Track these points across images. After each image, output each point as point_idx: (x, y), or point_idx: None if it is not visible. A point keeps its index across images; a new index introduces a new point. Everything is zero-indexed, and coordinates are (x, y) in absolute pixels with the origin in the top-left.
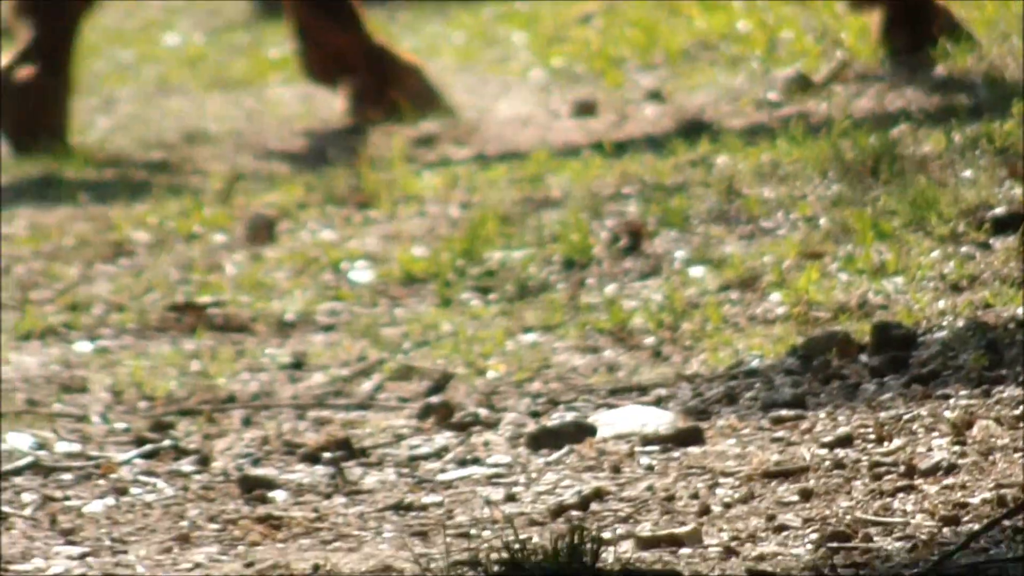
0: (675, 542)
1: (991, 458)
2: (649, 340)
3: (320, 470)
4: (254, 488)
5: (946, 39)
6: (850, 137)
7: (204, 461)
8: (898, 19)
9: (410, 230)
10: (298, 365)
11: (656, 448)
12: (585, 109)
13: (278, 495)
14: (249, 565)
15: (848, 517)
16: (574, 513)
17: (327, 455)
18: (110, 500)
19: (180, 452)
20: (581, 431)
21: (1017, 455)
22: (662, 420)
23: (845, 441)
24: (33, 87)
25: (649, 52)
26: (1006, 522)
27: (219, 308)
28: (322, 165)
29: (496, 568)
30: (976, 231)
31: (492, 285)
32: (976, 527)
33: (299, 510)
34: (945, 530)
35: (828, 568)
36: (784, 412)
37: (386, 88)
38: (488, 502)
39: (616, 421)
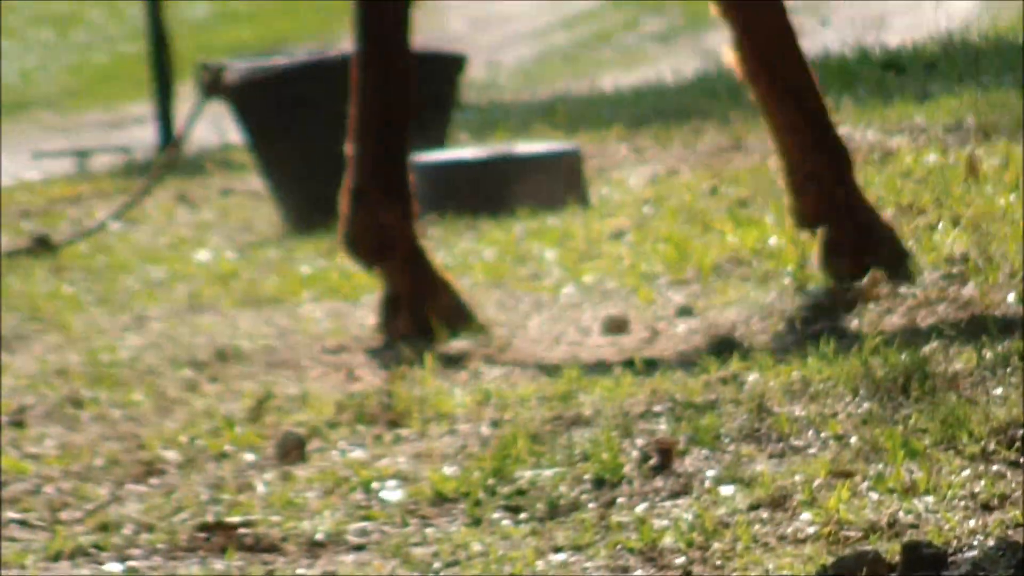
0: None
1: None
2: (679, 560)
3: None
4: None
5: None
6: (881, 354)
7: None
8: (841, 243)
9: (441, 449)
10: None
11: None
12: (616, 326)
13: None
14: None
15: None
16: None
17: None
18: None
19: None
20: None
21: None
22: None
23: None
24: None
25: (681, 268)
26: None
27: (249, 528)
28: (353, 383)
29: None
30: (1007, 449)
31: (522, 504)
32: None
33: None
34: None
35: None
36: None
37: (421, 302)
38: None
39: None
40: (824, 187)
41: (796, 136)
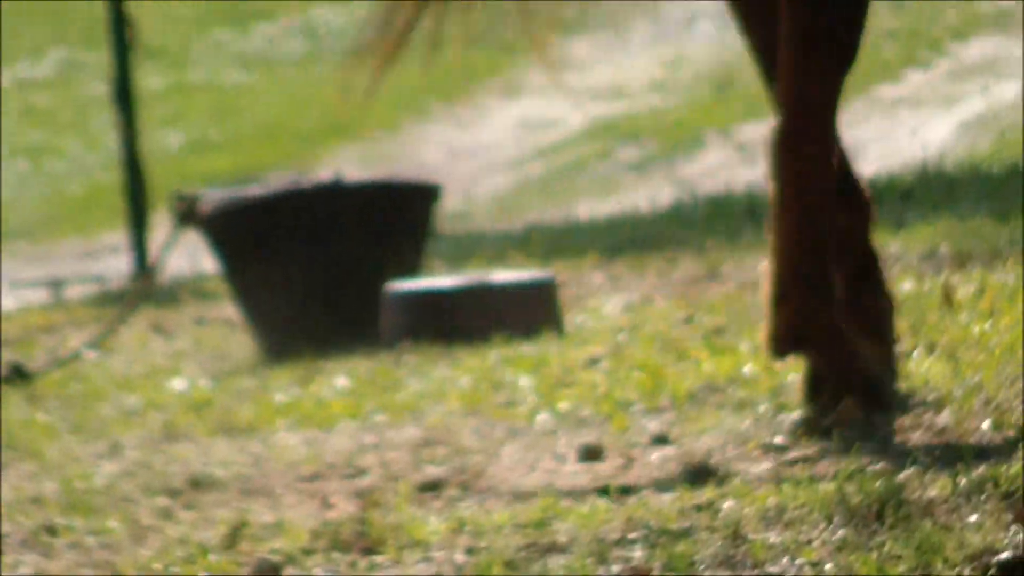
0: None
1: None
2: None
3: None
4: None
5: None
6: (856, 481)
7: None
8: (822, 375)
9: None
10: None
11: None
12: (591, 453)
13: None
14: None
15: None
16: None
17: None
18: None
19: None
20: None
21: None
22: None
23: None
24: None
25: (656, 395)
26: None
27: None
28: (328, 510)
29: None
30: None
31: None
32: None
33: None
34: None
35: None
36: None
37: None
38: None
39: None
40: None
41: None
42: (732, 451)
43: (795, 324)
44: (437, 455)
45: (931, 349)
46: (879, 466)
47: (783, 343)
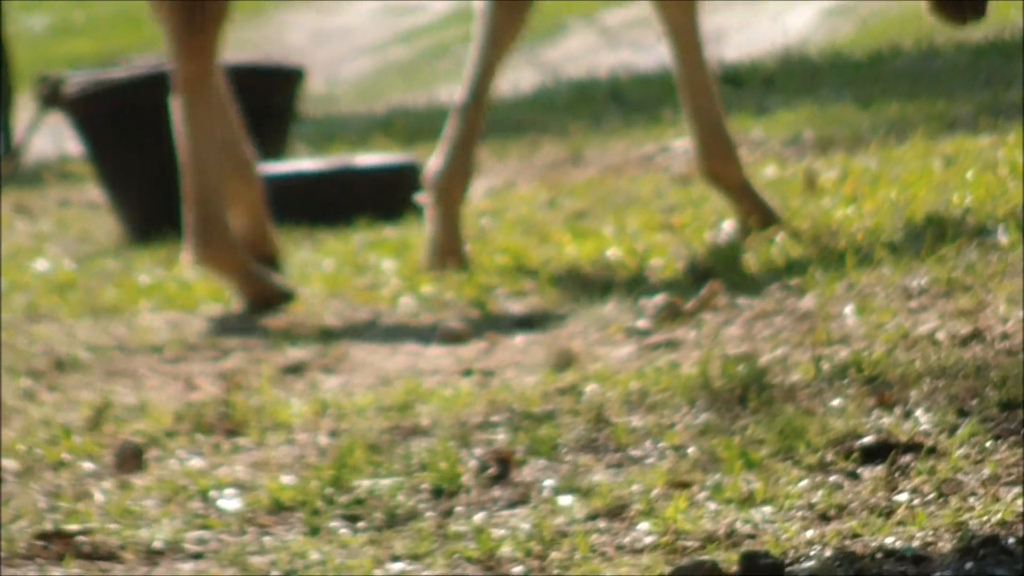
0: None
1: None
2: (517, 569)
3: None
4: None
5: None
6: (718, 365)
7: None
8: None
9: (278, 458)
10: None
11: None
12: (454, 337)
13: None
14: None
15: None
16: None
17: None
18: None
19: None
20: None
21: None
22: None
23: None
24: None
25: (519, 279)
26: None
27: (87, 536)
28: (192, 392)
29: None
30: (844, 460)
31: (360, 513)
32: None
33: None
34: None
35: None
36: None
37: None
38: None
39: None
40: None
41: None
42: (595, 335)
43: None
44: (300, 337)
45: (794, 234)
46: (741, 350)
47: None
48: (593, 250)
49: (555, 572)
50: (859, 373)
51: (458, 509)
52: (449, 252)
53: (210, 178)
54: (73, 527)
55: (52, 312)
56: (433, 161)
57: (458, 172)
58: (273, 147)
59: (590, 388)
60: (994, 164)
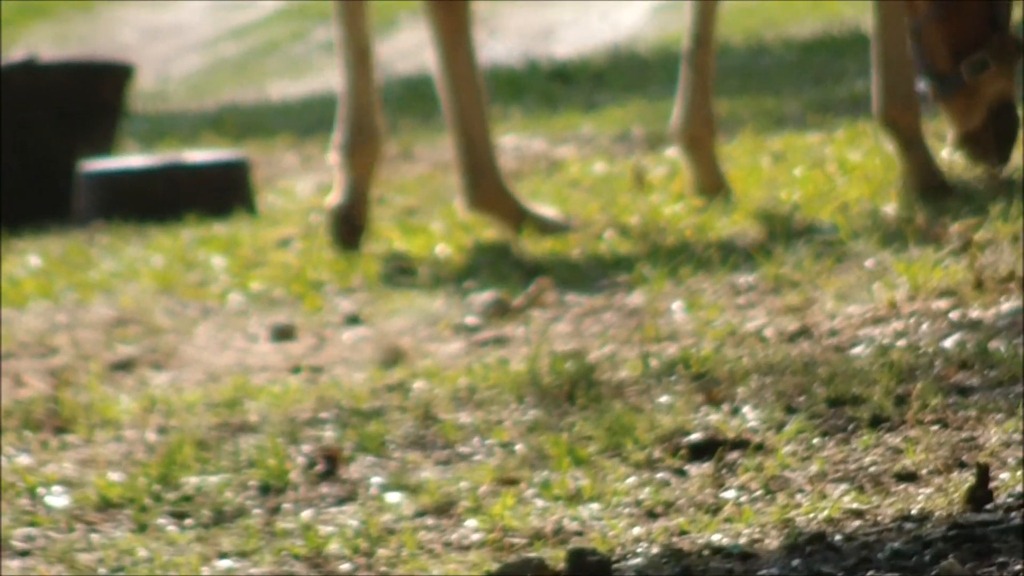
0: None
1: None
2: (345, 566)
3: None
4: None
5: None
6: (546, 362)
7: None
8: None
9: (107, 455)
10: None
11: None
12: (283, 333)
13: None
14: None
15: None
16: None
17: None
18: None
19: None
20: None
21: None
22: None
23: None
24: None
25: (348, 276)
26: None
27: None
28: (20, 389)
29: None
30: (672, 457)
31: (188, 510)
32: None
33: None
34: None
35: None
36: None
37: None
38: None
39: None
40: None
41: None
42: (424, 331)
43: None
44: (129, 334)
45: (622, 230)
46: (570, 346)
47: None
48: (422, 246)
49: (382, 569)
50: (687, 370)
51: (286, 506)
52: (715, 189)
53: (475, 127)
54: None
55: None
56: (675, 115)
57: (701, 117)
58: (103, 144)
59: (418, 385)
60: (822, 161)
